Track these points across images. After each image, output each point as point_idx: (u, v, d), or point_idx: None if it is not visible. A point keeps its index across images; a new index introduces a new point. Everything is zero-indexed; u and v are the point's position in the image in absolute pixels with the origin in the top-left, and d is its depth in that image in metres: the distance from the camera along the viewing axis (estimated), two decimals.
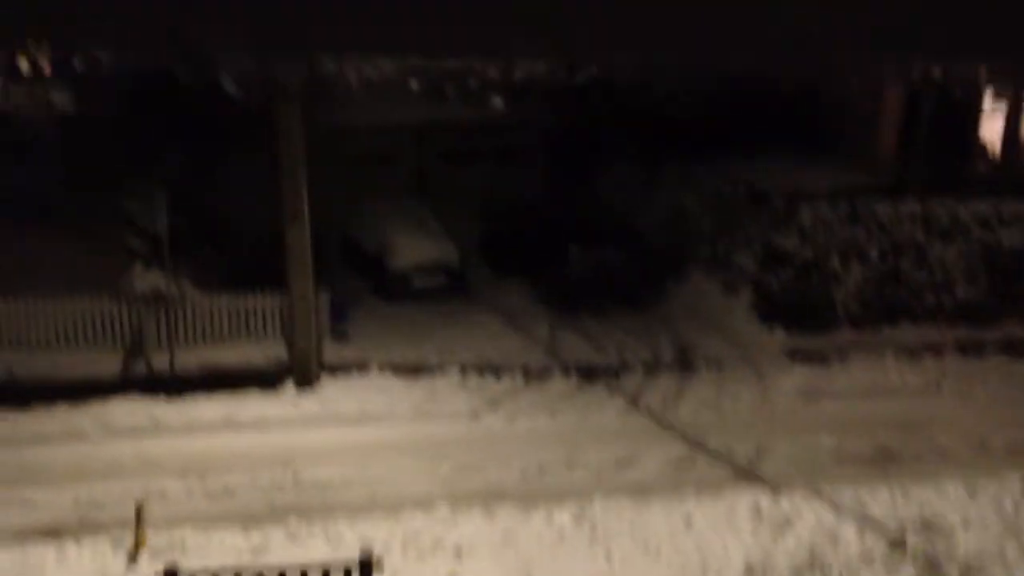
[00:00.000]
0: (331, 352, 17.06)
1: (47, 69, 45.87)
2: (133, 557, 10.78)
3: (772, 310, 18.87)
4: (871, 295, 18.72)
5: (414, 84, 42.89)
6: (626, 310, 19.63)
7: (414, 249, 20.41)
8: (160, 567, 6.83)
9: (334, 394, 15.63)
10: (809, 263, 18.63)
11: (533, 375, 16.67)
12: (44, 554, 10.76)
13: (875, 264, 18.71)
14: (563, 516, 11.91)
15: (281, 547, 11.14)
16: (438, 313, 19.23)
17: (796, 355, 17.69)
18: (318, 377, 16.01)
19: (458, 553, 11.11)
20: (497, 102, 37.85)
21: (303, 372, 15.89)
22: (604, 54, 36.17)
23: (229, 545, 11.12)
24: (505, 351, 17.56)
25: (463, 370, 16.59)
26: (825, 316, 18.64)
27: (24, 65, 46.18)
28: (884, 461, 13.75)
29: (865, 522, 11.84)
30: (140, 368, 16.29)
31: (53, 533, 11.34)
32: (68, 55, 44.86)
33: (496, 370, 16.70)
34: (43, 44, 44.59)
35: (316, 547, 11.11)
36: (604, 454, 13.78)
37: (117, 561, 10.71)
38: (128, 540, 10.99)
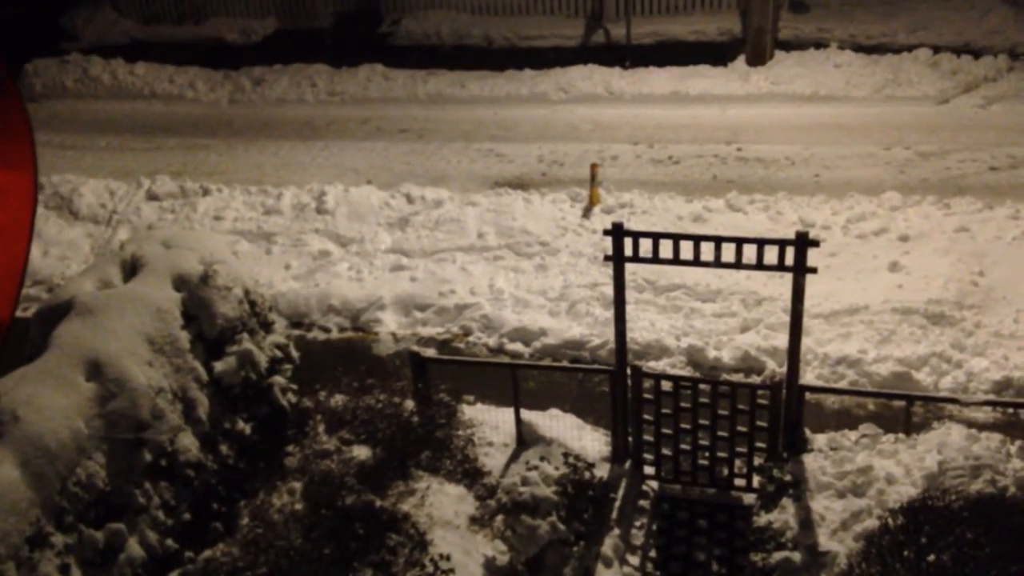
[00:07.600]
0: (787, 26, 16.14)
1: None
2: (586, 212, 11.83)
3: None
4: None
5: None
6: None
7: None
8: (608, 222, 7.38)
9: (787, 70, 14.95)
10: None
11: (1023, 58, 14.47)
12: (514, 200, 12.19)
13: None
14: None
15: (720, 217, 11.47)
16: None
17: None
18: (771, 53, 15.34)
19: (904, 239, 10.63)
20: None
21: (756, 46, 15.29)
22: None
23: (672, 209, 11.69)
24: (991, 29, 15.30)
25: (936, 49, 14.84)
26: None
27: None
28: None
29: None
30: (599, 37, 16.83)
31: (521, 184, 12.75)
32: None
33: (976, 51, 14.72)
34: None
35: (754, 221, 11.28)
36: None
37: (573, 212, 11.83)
38: (583, 196, 12.03)
